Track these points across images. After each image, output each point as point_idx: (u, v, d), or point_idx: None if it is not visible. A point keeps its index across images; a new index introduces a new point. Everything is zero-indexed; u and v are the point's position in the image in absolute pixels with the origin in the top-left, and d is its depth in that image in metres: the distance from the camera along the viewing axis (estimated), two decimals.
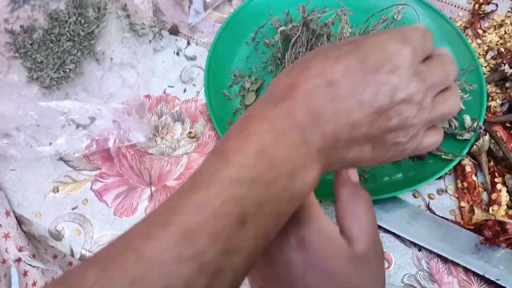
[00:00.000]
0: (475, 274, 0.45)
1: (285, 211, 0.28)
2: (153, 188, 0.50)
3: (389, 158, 0.32)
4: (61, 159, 0.52)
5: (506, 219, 0.46)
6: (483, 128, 0.49)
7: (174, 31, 0.60)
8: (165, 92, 0.56)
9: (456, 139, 0.49)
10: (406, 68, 0.29)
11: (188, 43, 0.59)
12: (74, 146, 0.50)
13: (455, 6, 0.61)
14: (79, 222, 0.49)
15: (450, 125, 0.49)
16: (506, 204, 0.47)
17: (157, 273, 0.24)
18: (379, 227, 0.48)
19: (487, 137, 0.49)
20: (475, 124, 0.49)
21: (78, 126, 0.51)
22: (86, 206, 0.50)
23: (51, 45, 0.56)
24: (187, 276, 0.24)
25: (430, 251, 0.47)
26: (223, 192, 0.26)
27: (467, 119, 0.49)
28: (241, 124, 0.29)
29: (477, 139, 0.49)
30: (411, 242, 0.47)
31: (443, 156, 0.48)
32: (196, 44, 0.59)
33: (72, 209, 0.49)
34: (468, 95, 0.51)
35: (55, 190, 0.50)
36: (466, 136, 0.49)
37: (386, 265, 0.47)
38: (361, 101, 0.29)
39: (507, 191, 0.48)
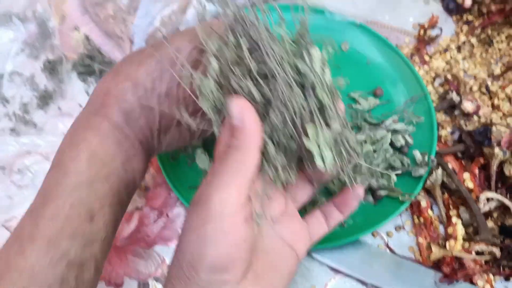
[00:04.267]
0: None
1: (124, 198, 0.37)
2: None
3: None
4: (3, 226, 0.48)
5: (463, 254, 0.46)
6: (435, 161, 0.49)
7: None
8: None
9: (411, 177, 0.49)
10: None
11: None
12: None
13: (401, 32, 0.61)
14: None
15: (402, 164, 0.49)
16: (462, 238, 0.47)
17: (39, 278, 0.31)
18: (340, 272, 0.47)
19: (439, 170, 0.49)
20: (426, 157, 0.49)
21: None
22: None
23: None
24: (60, 274, 0.32)
25: None
26: (69, 198, 0.33)
27: (417, 154, 0.49)
28: (71, 135, 0.36)
29: (430, 173, 0.49)
30: (372, 285, 0.47)
31: (400, 198, 0.48)
32: None
33: None
34: (412, 127, 0.51)
35: None
36: (421, 171, 0.49)
37: None
38: (160, 93, 0.37)
39: (462, 224, 0.48)
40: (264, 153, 0.34)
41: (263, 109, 0.34)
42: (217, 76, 0.33)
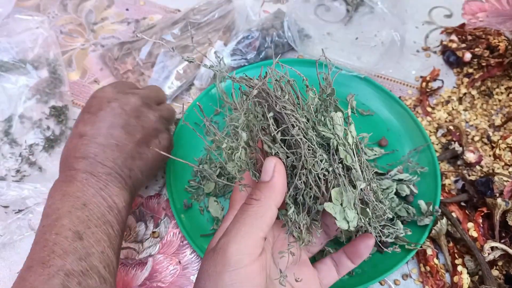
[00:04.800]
0: None
1: (112, 219, 0.42)
2: None
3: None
4: None
5: None
6: (440, 211, 0.51)
7: None
8: None
9: (416, 225, 0.51)
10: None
11: None
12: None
13: (404, 84, 0.64)
14: None
15: (408, 213, 0.51)
16: (468, 287, 0.48)
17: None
18: None
19: (444, 220, 0.50)
20: (431, 207, 0.51)
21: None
22: None
23: None
24: (61, 282, 0.36)
25: None
26: (54, 229, 0.39)
27: (422, 204, 0.51)
28: (51, 210, 0.41)
29: (435, 222, 0.50)
30: None
31: (406, 246, 0.49)
32: None
33: None
34: (416, 177, 0.53)
35: None
36: (426, 221, 0.50)
37: None
38: (108, 133, 0.45)
39: (468, 272, 0.49)
40: (288, 214, 0.36)
41: (290, 172, 0.36)
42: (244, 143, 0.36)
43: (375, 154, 0.57)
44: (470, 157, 0.55)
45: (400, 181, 0.53)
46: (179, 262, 0.51)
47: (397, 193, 0.53)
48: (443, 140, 0.59)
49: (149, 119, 0.48)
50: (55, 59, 0.63)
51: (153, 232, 0.52)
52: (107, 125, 0.45)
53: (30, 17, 0.66)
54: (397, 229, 0.49)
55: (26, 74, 0.62)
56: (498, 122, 0.60)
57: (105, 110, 0.46)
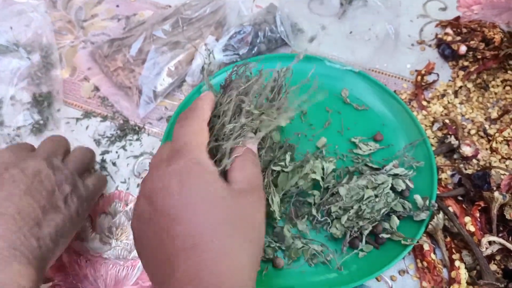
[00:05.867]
0: None
1: None
2: None
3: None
4: None
5: None
6: (436, 206, 0.50)
7: (122, 128, 0.59)
8: (117, 189, 0.54)
9: (413, 221, 0.50)
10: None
11: (138, 139, 0.58)
12: None
13: (399, 78, 0.63)
14: None
15: (404, 208, 0.50)
16: (466, 282, 0.48)
17: None
18: None
19: (441, 214, 0.50)
20: (427, 202, 0.50)
21: None
22: None
23: None
24: None
25: None
26: None
27: (418, 198, 0.50)
28: None
29: (432, 217, 0.50)
30: None
31: (402, 242, 0.48)
32: (148, 135, 0.59)
33: None
34: (412, 171, 0.52)
35: None
36: (422, 216, 0.49)
37: None
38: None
39: (465, 267, 0.48)
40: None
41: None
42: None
43: (370, 149, 0.56)
44: (467, 150, 0.54)
45: (395, 176, 0.52)
46: None
47: (392, 188, 0.52)
48: (439, 134, 0.58)
49: (56, 180, 0.43)
50: (48, 43, 0.63)
51: None
52: (5, 194, 0.40)
53: (25, 0, 0.65)
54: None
55: (19, 58, 0.61)
56: (494, 115, 0.59)
57: (2, 177, 0.41)
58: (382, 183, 0.51)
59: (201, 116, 0.41)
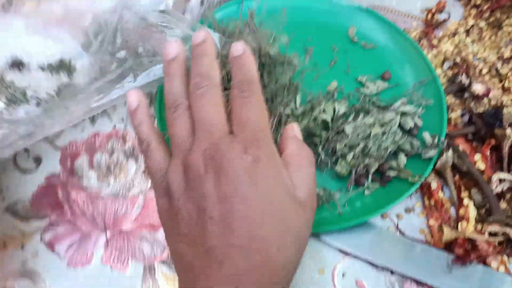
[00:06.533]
0: None
1: None
2: (108, 234, 0.47)
3: None
4: (7, 210, 0.48)
5: (475, 236, 0.45)
6: (445, 143, 0.48)
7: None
8: (115, 128, 0.52)
9: (421, 159, 0.48)
10: None
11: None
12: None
13: (408, 16, 0.61)
14: (30, 278, 0.45)
15: (412, 146, 0.48)
16: (475, 219, 0.46)
17: None
18: (349, 254, 0.46)
19: (450, 152, 0.48)
20: (436, 139, 0.48)
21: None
22: (37, 259, 0.46)
23: None
24: None
25: (403, 275, 0.45)
26: None
27: (427, 136, 0.48)
28: None
29: (441, 154, 0.48)
30: (383, 267, 0.46)
31: (409, 179, 0.47)
32: None
33: (22, 264, 0.46)
34: (421, 109, 0.50)
35: (3, 245, 0.46)
36: (431, 153, 0.48)
37: None
38: None
39: (474, 205, 0.47)
40: None
41: None
42: None
43: (378, 88, 0.54)
44: (478, 89, 0.52)
45: (404, 114, 0.50)
46: None
47: (401, 127, 0.50)
48: (450, 73, 0.56)
49: None
50: None
51: (144, 172, 0.50)
52: None
53: None
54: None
55: None
56: (507, 54, 0.57)
57: None
58: (390, 121, 0.49)
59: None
